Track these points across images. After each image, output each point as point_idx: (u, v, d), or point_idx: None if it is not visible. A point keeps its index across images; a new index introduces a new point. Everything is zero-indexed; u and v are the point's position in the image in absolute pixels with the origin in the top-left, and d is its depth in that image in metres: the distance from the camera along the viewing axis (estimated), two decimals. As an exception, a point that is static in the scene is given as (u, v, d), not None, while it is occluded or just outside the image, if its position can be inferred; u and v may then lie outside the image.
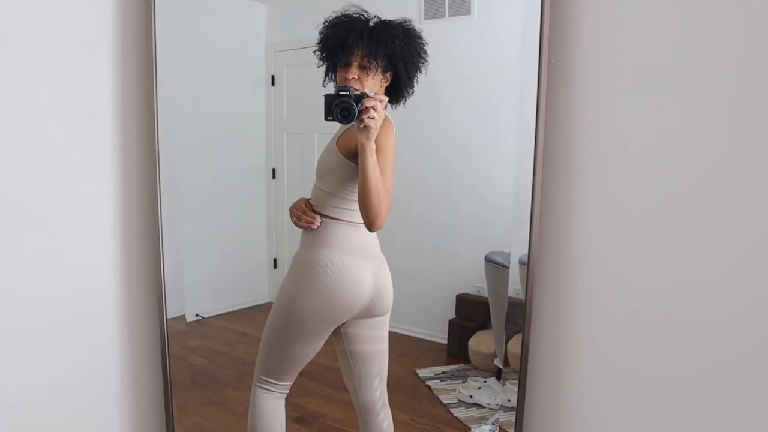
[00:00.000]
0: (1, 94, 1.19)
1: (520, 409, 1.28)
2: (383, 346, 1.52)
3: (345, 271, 1.39)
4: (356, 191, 1.32)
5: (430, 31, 1.73)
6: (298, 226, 1.45)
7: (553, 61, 1.16)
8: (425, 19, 1.74)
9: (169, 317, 1.43)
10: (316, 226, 1.40)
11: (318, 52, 1.42)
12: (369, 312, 1.45)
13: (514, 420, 1.31)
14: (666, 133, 1.11)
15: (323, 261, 1.38)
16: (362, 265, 1.41)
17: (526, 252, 1.24)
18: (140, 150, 1.38)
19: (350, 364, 1.51)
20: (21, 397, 1.26)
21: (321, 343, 1.44)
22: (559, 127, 1.19)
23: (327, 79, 1.45)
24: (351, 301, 1.40)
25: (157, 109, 1.29)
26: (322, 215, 1.40)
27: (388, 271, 1.48)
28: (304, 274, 1.41)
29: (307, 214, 1.41)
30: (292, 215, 1.46)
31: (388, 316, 1.51)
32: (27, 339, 1.27)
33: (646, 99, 1.12)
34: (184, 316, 1.47)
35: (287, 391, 1.51)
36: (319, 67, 1.44)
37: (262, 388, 1.49)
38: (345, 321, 1.45)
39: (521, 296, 1.30)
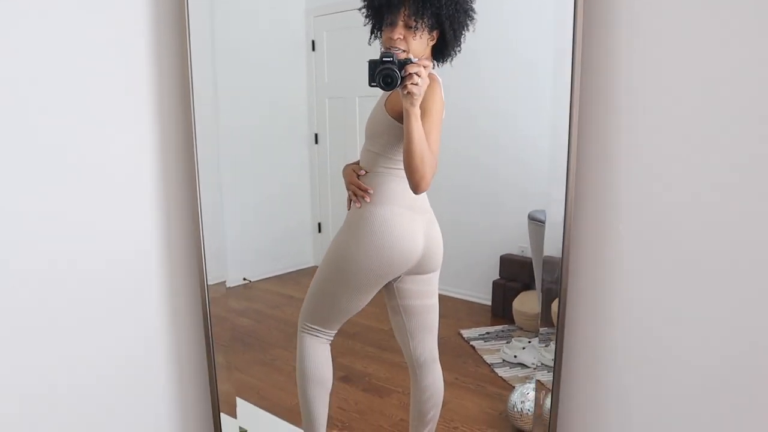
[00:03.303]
0: (34, 49, 1.20)
1: (557, 368, 1.27)
2: (434, 300, 1.56)
3: (399, 226, 1.42)
4: None
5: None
6: (353, 199, 1.47)
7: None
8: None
9: (210, 282, 1.47)
10: (368, 200, 1.43)
11: (363, 10, 1.41)
12: (419, 268, 1.48)
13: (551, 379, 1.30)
14: (707, 84, 1.06)
15: (378, 216, 1.41)
16: (414, 219, 1.44)
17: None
18: (176, 115, 1.39)
19: (403, 319, 1.54)
20: (65, 366, 1.29)
21: (370, 297, 1.48)
22: (595, 81, 1.15)
23: (372, 37, 1.44)
24: (405, 256, 1.43)
25: (191, 74, 1.30)
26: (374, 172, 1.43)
27: (438, 228, 1.50)
28: (358, 229, 1.43)
29: (361, 188, 1.44)
30: (348, 186, 1.49)
31: (438, 272, 1.54)
32: (67, 308, 1.28)
33: (686, 48, 1.07)
34: (225, 282, 1.51)
35: (332, 338, 1.56)
36: (365, 25, 1.43)
37: (309, 333, 1.54)
38: (398, 276, 1.47)
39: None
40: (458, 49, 1.42)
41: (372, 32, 1.44)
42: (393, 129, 1.36)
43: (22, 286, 1.20)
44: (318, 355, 1.56)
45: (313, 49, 2.03)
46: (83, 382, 1.30)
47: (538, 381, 1.33)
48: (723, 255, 1.08)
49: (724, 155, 1.06)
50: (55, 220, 1.24)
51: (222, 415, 1.51)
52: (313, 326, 1.54)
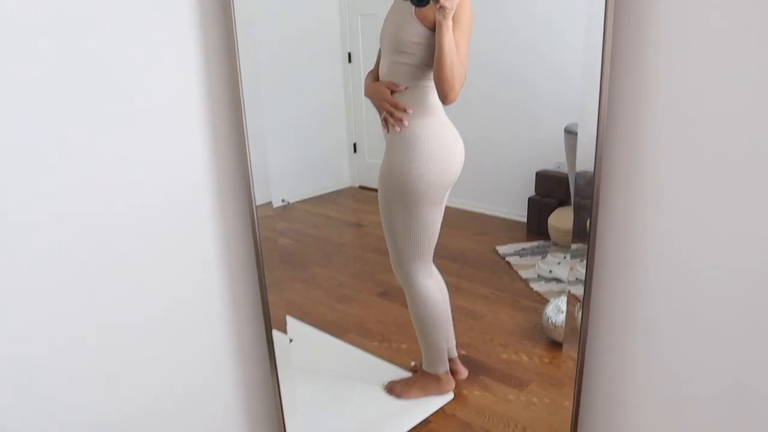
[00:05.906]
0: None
1: (588, 281, 1.28)
2: None
3: (450, 135, 1.47)
4: None
5: None
6: (388, 122, 1.46)
7: None
8: None
9: (257, 204, 1.50)
10: (406, 124, 1.44)
11: None
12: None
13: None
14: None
15: (430, 130, 1.45)
16: (451, 127, 1.48)
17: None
18: (219, 35, 1.38)
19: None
20: (128, 298, 1.36)
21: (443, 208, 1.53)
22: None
23: None
24: (459, 162, 1.49)
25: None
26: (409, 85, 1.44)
27: None
28: (414, 148, 1.45)
29: (398, 109, 1.44)
30: (380, 108, 1.47)
31: None
32: (124, 240, 1.32)
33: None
34: (271, 202, 1.54)
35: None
36: None
37: (420, 276, 1.56)
38: None
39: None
40: None
41: None
42: (430, 40, 1.37)
43: (74, 226, 1.25)
44: (436, 295, 1.57)
45: (344, -35, 1.99)
46: (146, 314, 1.38)
47: (570, 294, 1.35)
48: (763, 166, 1.05)
49: (765, 61, 1.00)
50: (105, 152, 1.26)
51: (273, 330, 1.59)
52: (425, 265, 1.54)
